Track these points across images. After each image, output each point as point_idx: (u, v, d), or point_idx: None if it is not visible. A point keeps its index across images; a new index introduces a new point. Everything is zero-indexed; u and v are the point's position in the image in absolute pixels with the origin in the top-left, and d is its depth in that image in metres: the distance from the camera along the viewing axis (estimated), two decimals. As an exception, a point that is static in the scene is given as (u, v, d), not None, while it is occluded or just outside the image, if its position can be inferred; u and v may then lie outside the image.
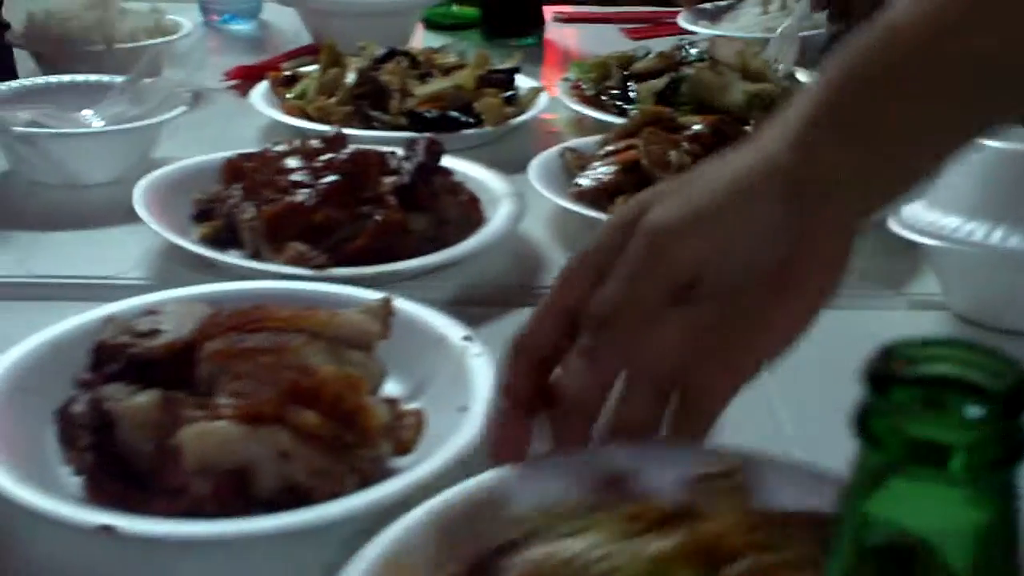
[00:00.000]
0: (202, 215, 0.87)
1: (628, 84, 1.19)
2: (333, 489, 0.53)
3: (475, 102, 1.10)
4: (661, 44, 1.30)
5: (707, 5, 1.55)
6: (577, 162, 0.96)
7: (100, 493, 0.55)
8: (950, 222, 0.74)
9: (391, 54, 1.15)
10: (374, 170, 0.85)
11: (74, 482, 0.57)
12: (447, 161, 0.89)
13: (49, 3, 1.25)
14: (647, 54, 1.24)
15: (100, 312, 0.66)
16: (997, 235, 0.71)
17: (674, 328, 0.50)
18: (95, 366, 0.60)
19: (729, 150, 0.54)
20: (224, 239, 0.85)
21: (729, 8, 1.53)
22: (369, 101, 1.09)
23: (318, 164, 0.84)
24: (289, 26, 1.54)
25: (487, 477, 0.48)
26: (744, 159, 0.52)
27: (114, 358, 0.59)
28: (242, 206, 0.83)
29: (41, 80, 1.09)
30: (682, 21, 1.48)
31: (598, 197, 0.90)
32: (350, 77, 1.12)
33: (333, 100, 1.10)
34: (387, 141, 0.96)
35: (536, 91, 1.17)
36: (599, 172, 0.91)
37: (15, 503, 0.52)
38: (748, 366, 0.52)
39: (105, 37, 1.23)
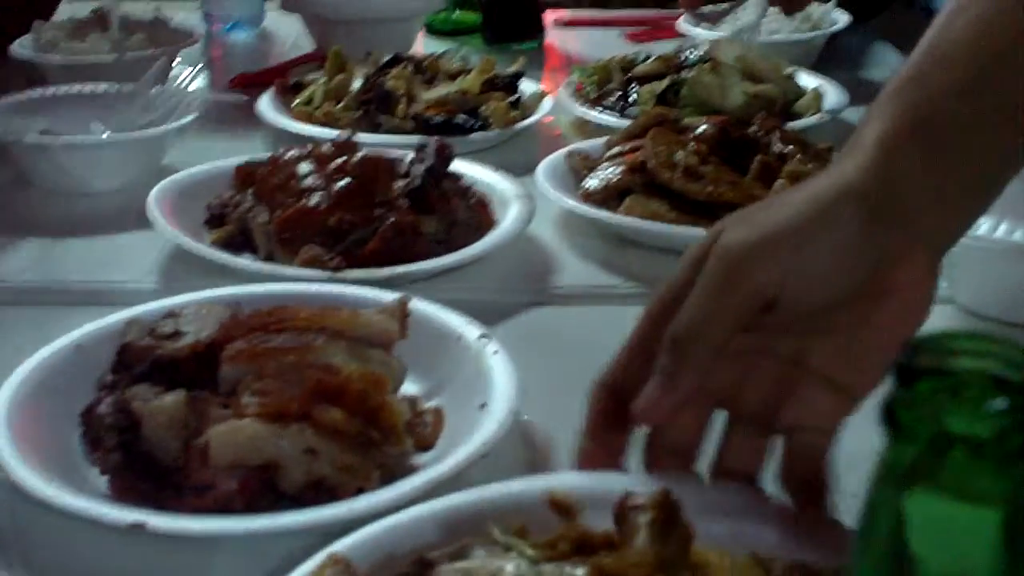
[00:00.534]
0: (215, 220, 0.88)
1: (630, 87, 1.20)
2: (359, 485, 0.54)
3: (480, 106, 1.11)
4: (663, 47, 1.32)
5: (706, 8, 1.56)
6: (584, 164, 0.97)
7: (127, 492, 0.57)
8: (955, 217, 0.75)
9: (396, 59, 1.16)
10: (385, 174, 0.86)
11: (100, 482, 0.58)
12: (455, 165, 0.90)
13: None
14: (647, 57, 1.26)
15: (121, 316, 0.67)
16: (1002, 229, 0.73)
17: (756, 358, 0.50)
18: (119, 368, 0.61)
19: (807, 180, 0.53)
20: (237, 243, 0.86)
21: (728, 11, 1.54)
22: (376, 106, 1.10)
23: (330, 169, 0.85)
24: (291, 34, 1.55)
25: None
26: (821, 184, 0.51)
27: (139, 360, 0.60)
28: (255, 211, 0.84)
29: (51, 90, 1.10)
30: (682, 24, 1.50)
31: (606, 198, 0.91)
32: (356, 83, 1.13)
33: (340, 106, 1.12)
34: (395, 145, 0.97)
35: (541, 94, 1.18)
36: (607, 173, 0.92)
37: (47, 503, 0.53)
38: (852, 390, 0.49)
39: (112, 47, 1.24)
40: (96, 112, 1.04)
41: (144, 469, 0.56)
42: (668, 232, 0.87)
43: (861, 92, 1.16)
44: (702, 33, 1.40)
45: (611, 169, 0.93)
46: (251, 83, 1.29)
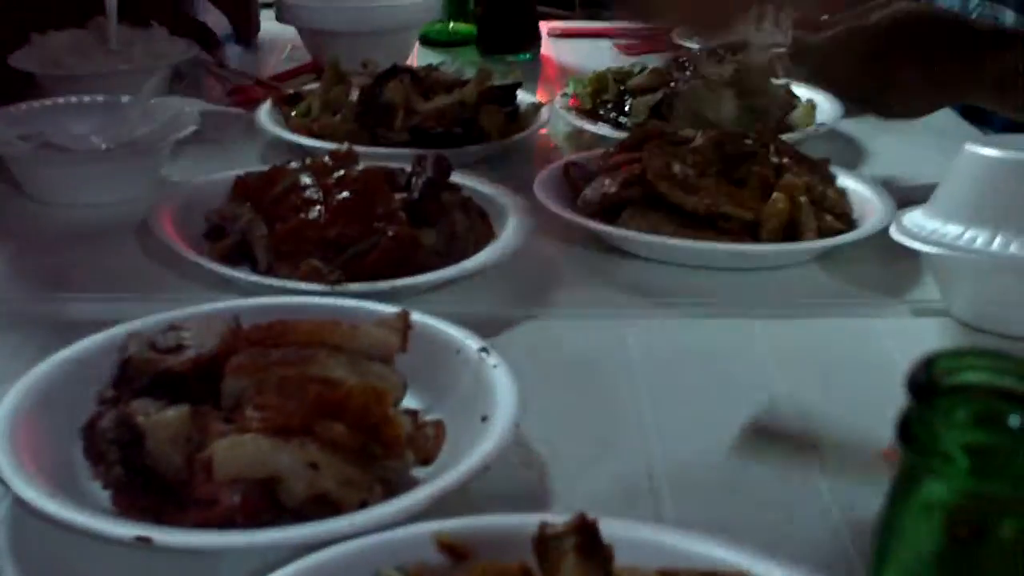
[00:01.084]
0: (214, 232, 0.89)
1: (625, 99, 1.21)
2: (361, 498, 0.54)
3: (477, 118, 1.11)
4: (655, 59, 1.32)
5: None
6: (581, 176, 0.97)
7: (129, 506, 0.57)
8: (951, 229, 0.75)
9: (393, 71, 1.16)
10: (384, 187, 0.86)
11: (102, 497, 0.58)
12: (453, 177, 0.91)
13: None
14: (643, 69, 1.26)
15: (121, 329, 0.67)
16: (998, 242, 0.73)
17: None
18: (121, 382, 0.61)
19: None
20: (236, 256, 0.86)
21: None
22: (373, 118, 1.10)
23: (329, 182, 0.86)
24: (287, 46, 1.55)
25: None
26: None
27: (141, 374, 0.60)
28: (255, 223, 0.84)
29: (49, 101, 1.10)
30: (677, 37, 1.50)
31: (604, 210, 0.92)
32: (354, 94, 1.13)
33: (338, 117, 1.12)
34: (393, 157, 0.97)
35: (538, 106, 1.18)
36: (604, 186, 0.93)
37: (50, 517, 0.53)
38: None
39: (110, 59, 1.24)
40: (94, 124, 1.04)
41: (147, 483, 0.56)
42: (667, 244, 0.87)
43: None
44: (697, 46, 1.41)
45: (608, 181, 0.93)
46: (250, 94, 1.29)
